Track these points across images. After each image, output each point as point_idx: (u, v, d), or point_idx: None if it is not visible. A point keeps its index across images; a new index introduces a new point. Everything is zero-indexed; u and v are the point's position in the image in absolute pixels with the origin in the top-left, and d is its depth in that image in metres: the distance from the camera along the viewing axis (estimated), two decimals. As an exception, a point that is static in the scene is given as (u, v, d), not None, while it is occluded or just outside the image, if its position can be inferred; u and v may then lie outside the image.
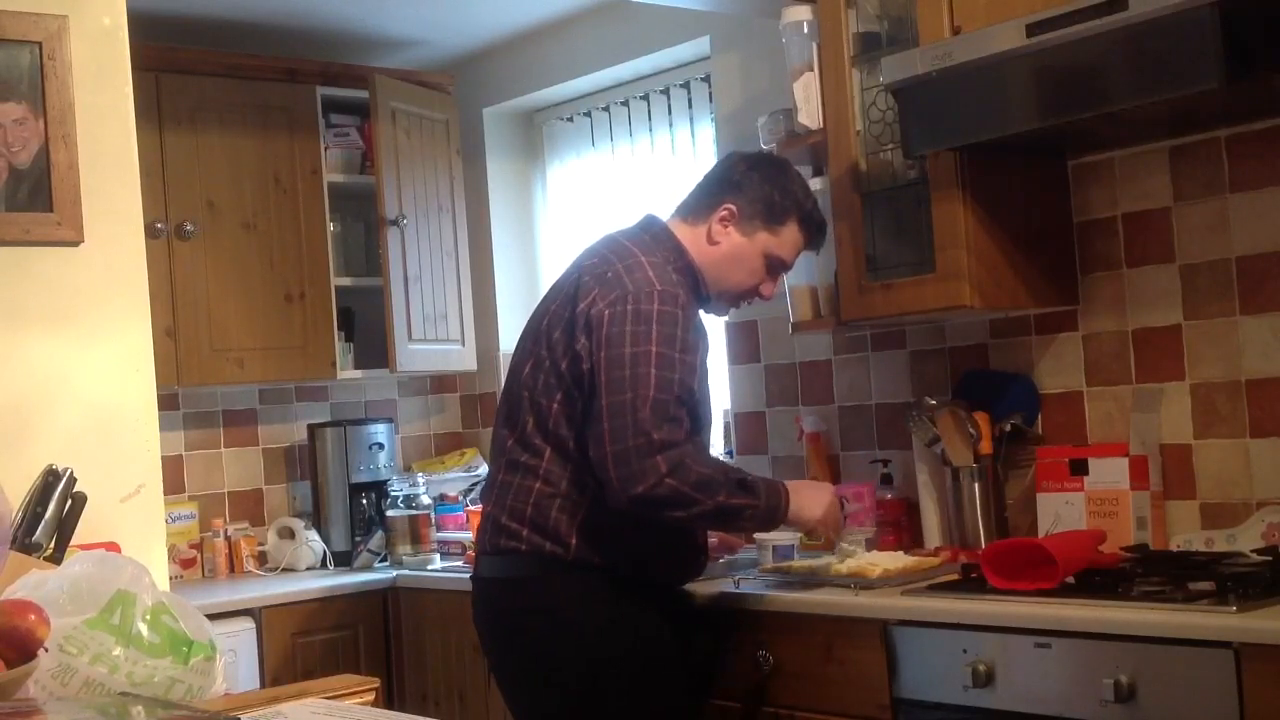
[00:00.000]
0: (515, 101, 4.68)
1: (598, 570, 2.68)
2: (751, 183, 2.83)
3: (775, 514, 2.74)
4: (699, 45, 4.07)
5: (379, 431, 4.50)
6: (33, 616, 1.57)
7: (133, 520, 2.45)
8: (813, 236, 2.91)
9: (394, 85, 4.35)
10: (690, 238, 2.83)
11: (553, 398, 2.68)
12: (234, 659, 3.62)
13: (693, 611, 2.92)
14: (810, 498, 2.81)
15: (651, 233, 2.83)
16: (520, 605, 2.73)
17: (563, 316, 2.70)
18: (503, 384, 2.90)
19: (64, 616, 1.65)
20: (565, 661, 2.68)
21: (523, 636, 2.73)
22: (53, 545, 2.15)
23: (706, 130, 4.18)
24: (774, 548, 3.15)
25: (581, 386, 2.65)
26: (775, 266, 2.88)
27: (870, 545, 3.14)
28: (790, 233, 2.85)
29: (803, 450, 3.61)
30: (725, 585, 3.01)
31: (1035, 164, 3.06)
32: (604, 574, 2.68)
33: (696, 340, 2.67)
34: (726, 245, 2.82)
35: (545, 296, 2.87)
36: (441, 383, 4.90)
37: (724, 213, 2.81)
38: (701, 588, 3.02)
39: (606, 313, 2.62)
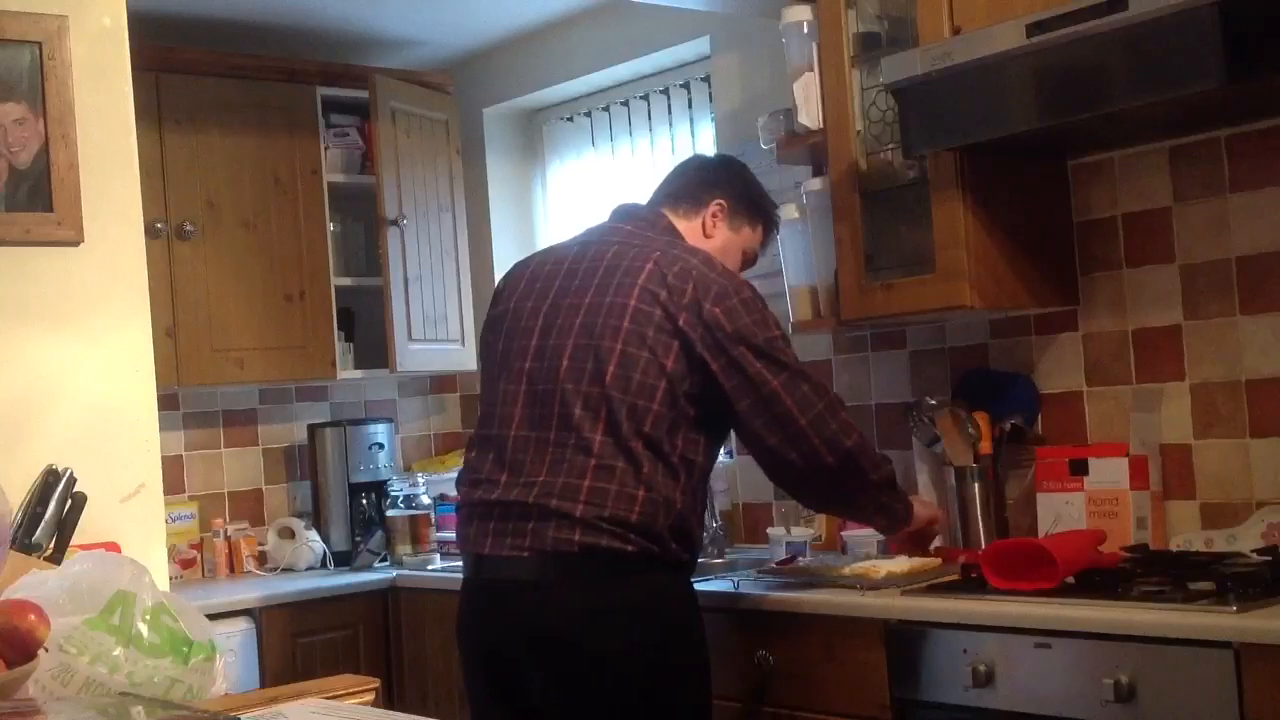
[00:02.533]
0: (515, 101, 4.68)
1: (685, 567, 2.69)
2: (733, 181, 2.94)
3: (906, 515, 2.86)
4: (699, 45, 4.07)
5: (379, 431, 4.50)
6: (33, 616, 1.56)
7: (133, 520, 2.45)
8: (773, 236, 3.07)
9: (394, 85, 4.35)
10: (686, 230, 2.85)
11: (652, 397, 2.57)
12: (234, 659, 3.62)
13: None
14: (925, 507, 2.97)
15: (664, 227, 2.80)
16: (627, 604, 2.57)
17: (652, 315, 2.59)
18: (513, 375, 2.68)
19: (64, 616, 1.65)
20: (673, 658, 2.61)
21: (635, 636, 2.57)
22: (53, 545, 2.15)
23: (706, 130, 4.18)
24: (786, 544, 3.17)
25: (689, 384, 2.58)
26: (749, 261, 2.98)
27: (882, 548, 3.15)
28: (758, 233, 2.97)
29: (803, 450, 3.61)
30: (724, 585, 3.01)
31: (1035, 164, 3.06)
32: (688, 570, 2.71)
33: None
34: (718, 239, 2.88)
35: (568, 284, 2.70)
36: (441, 383, 4.90)
37: (715, 208, 2.88)
38: (700, 588, 3.02)
39: (718, 310, 2.59)
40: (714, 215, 2.87)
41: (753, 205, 2.94)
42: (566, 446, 2.57)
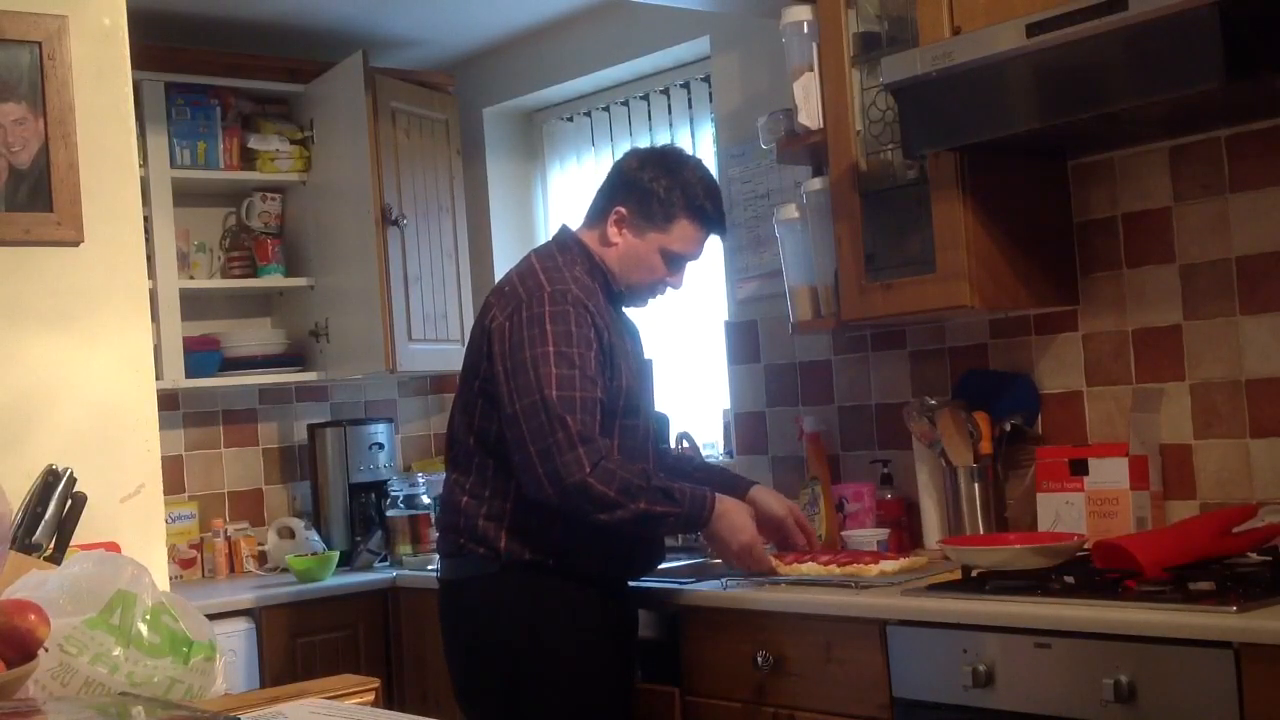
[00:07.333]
0: (515, 101, 4.68)
1: (527, 567, 2.78)
2: (640, 182, 2.89)
3: (697, 520, 2.80)
4: (699, 45, 4.07)
5: (379, 431, 4.50)
6: (33, 616, 1.56)
7: (133, 520, 2.45)
8: (709, 226, 2.94)
9: (394, 85, 4.35)
10: (591, 241, 2.93)
11: (472, 413, 2.82)
12: (234, 659, 3.62)
13: (629, 606, 2.98)
14: (735, 522, 2.84)
15: (559, 241, 2.95)
16: (460, 603, 2.88)
17: (474, 337, 2.87)
18: None
19: (64, 616, 1.65)
20: (500, 652, 2.79)
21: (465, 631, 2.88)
22: (53, 545, 2.15)
23: (706, 130, 4.18)
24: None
25: (492, 400, 2.76)
26: (676, 260, 2.93)
27: (883, 548, 3.15)
28: (682, 228, 2.90)
29: (803, 450, 3.61)
30: (714, 586, 3.00)
31: (1035, 164, 3.06)
32: (534, 570, 2.78)
33: (590, 334, 2.74)
34: (622, 246, 2.91)
35: None
36: (441, 383, 4.89)
37: (615, 216, 2.90)
38: (698, 587, 3.02)
39: (506, 324, 2.74)
40: (614, 223, 2.90)
41: (661, 206, 2.87)
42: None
